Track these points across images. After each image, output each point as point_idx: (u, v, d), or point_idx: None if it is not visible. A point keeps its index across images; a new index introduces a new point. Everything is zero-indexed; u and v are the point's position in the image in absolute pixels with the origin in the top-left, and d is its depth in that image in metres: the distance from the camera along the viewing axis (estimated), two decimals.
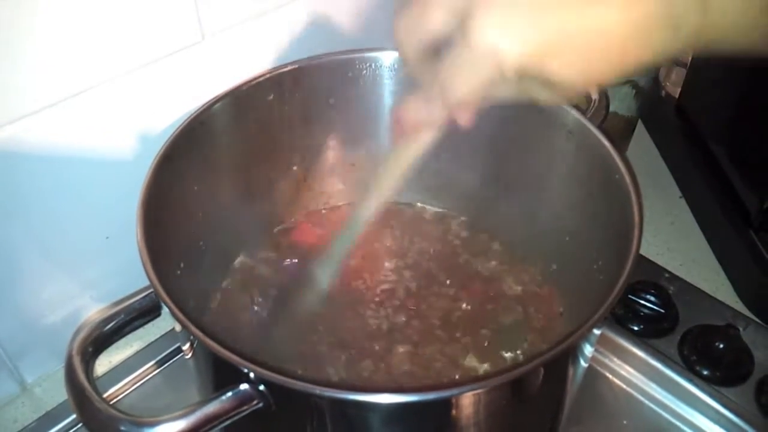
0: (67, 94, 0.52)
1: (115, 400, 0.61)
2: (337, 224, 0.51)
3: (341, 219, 0.61)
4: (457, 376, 0.56)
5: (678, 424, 0.61)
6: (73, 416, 0.59)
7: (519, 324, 0.59)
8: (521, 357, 0.58)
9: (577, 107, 0.56)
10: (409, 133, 0.41)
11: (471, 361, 0.57)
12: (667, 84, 0.91)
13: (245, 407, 0.39)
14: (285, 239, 0.66)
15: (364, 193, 0.47)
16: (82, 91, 0.53)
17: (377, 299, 0.61)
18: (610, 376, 0.64)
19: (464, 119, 0.38)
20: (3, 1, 0.46)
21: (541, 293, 0.62)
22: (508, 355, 0.58)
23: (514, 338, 0.59)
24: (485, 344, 0.58)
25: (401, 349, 0.57)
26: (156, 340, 0.65)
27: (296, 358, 0.56)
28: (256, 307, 0.60)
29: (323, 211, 0.69)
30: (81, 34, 0.51)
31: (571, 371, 0.47)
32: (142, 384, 0.63)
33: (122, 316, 0.44)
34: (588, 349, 0.47)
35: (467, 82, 0.35)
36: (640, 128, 0.87)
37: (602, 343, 0.64)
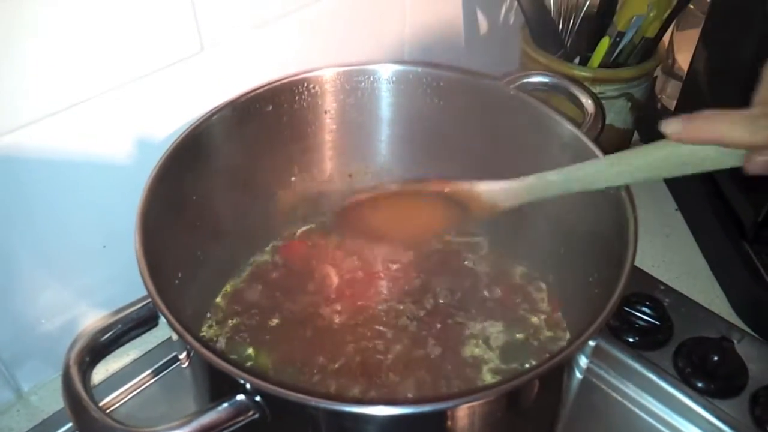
0: (67, 104, 0.53)
1: (111, 408, 0.61)
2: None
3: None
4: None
5: None
6: (70, 425, 0.59)
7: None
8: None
9: (572, 120, 0.56)
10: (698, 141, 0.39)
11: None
12: (663, 97, 0.92)
13: (241, 418, 0.39)
14: (281, 252, 0.67)
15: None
16: (82, 101, 0.53)
17: (380, 308, 0.61)
18: (605, 388, 0.64)
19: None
20: (3, 3, 0.46)
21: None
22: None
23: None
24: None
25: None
26: (153, 348, 0.65)
27: (297, 369, 0.56)
28: (253, 319, 0.60)
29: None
30: (81, 44, 0.51)
31: (566, 383, 0.47)
32: (138, 393, 0.63)
33: (119, 326, 0.44)
34: (583, 361, 0.47)
35: None
36: (635, 141, 0.88)
37: (597, 354, 0.64)
